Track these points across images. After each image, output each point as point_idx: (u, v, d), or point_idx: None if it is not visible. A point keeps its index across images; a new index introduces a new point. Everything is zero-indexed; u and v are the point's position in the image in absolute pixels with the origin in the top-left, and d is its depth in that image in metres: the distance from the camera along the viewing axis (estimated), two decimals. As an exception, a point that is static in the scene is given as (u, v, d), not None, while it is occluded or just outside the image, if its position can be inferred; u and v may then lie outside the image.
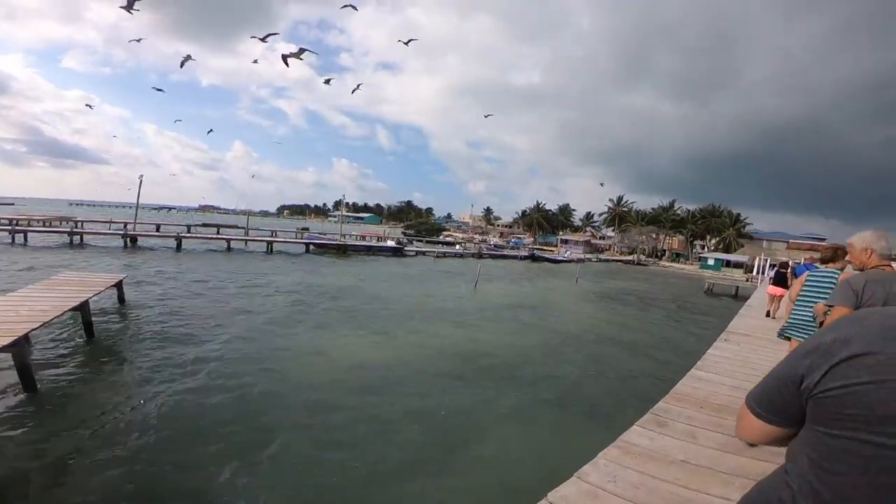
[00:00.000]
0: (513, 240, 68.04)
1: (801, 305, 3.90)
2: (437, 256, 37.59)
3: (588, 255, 55.53)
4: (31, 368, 5.60)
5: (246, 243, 31.87)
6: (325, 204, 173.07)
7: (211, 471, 4.27)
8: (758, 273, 36.57)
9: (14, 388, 5.54)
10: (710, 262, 51.10)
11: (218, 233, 38.29)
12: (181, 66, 18.49)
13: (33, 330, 5.63)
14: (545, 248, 61.06)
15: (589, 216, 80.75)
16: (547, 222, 78.92)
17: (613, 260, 56.76)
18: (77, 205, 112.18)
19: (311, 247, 32.61)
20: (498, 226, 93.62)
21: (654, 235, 66.47)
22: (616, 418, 5.65)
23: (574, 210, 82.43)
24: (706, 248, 63.33)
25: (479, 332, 11.03)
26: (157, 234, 31.82)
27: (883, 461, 0.66)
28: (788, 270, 11.69)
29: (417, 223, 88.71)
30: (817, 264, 6.82)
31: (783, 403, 0.83)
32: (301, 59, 15.69)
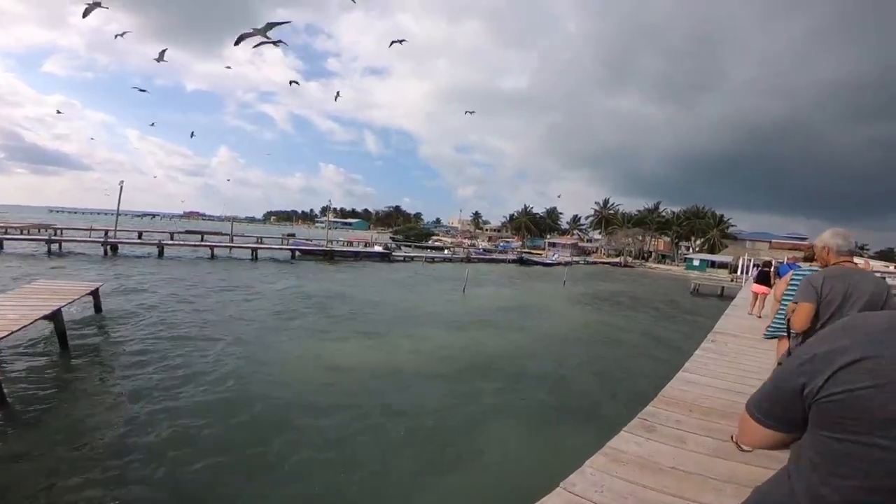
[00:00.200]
0: (501, 244, 68.21)
1: (786, 304, 3.88)
2: (426, 261, 37.45)
3: (575, 258, 55.88)
4: (-2, 381, 5.35)
5: (230, 250, 31.37)
6: (312, 210, 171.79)
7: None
8: (742, 273, 37.05)
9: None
10: (696, 262, 51.79)
11: (202, 240, 37.67)
12: (158, 61, 18.05)
13: (0, 339, 5.39)
14: (533, 251, 61.30)
15: (576, 219, 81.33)
16: (535, 226, 79.31)
17: (601, 262, 57.18)
18: (58, 212, 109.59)
19: (297, 253, 32.18)
20: (487, 230, 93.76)
21: (640, 237, 67.17)
22: (604, 421, 5.58)
23: (561, 213, 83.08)
24: (691, 250, 64.16)
25: (466, 337, 10.92)
26: (138, 241, 31.15)
27: (886, 464, 0.68)
28: (771, 269, 11.86)
29: (406, 228, 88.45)
30: (800, 263, 6.88)
31: (783, 410, 0.85)
32: (268, 37, 14.38)
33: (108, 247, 25.88)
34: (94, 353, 7.79)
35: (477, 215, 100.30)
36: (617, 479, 2.44)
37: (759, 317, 9.55)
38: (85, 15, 14.98)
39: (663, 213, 69.39)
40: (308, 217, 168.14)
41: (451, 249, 50.01)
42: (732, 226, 63.98)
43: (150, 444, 4.80)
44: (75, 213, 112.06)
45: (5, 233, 28.11)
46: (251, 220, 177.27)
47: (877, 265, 33.20)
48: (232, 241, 37.75)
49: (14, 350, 7.16)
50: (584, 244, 72.60)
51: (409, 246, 55.69)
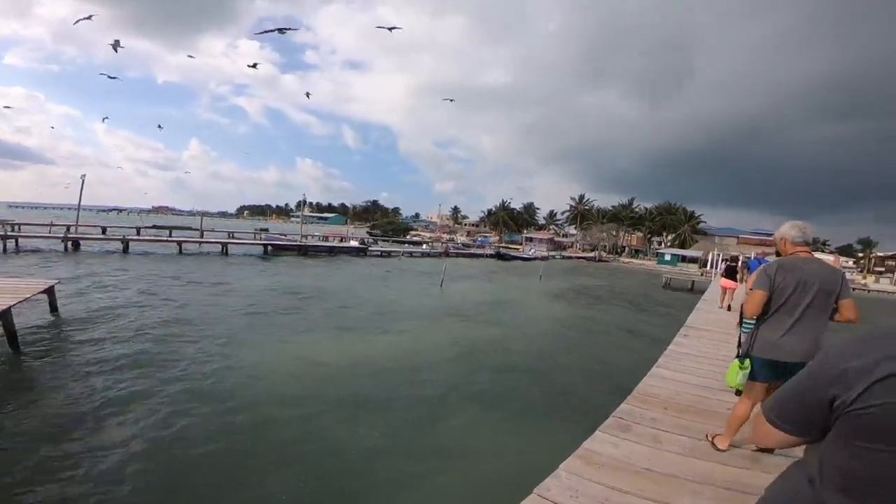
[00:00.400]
0: (479, 238, 68.42)
1: None
2: (403, 256, 37.18)
3: (552, 253, 56.54)
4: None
5: (200, 245, 30.37)
6: (287, 204, 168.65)
7: None
8: (711, 267, 38.24)
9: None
10: (667, 257, 53.13)
11: (170, 235, 36.30)
12: (115, 49, 17.18)
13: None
14: (511, 246, 61.72)
15: (552, 214, 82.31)
16: (512, 221, 79.86)
17: (576, 257, 58.04)
18: (17, 207, 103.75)
19: (270, 248, 31.37)
20: (465, 225, 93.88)
21: (614, 232, 68.51)
22: (581, 416, 5.56)
23: (538, 209, 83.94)
24: (663, 244, 65.82)
25: (442, 332, 10.81)
26: (101, 237, 29.77)
27: None
28: (739, 264, 12.23)
29: (384, 223, 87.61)
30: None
31: (804, 417, 0.87)
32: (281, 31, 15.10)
33: (69, 243, 24.63)
34: (47, 355, 7.30)
35: (456, 210, 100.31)
36: (592, 483, 2.37)
37: (729, 310, 9.79)
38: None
39: (637, 209, 70.99)
40: (283, 211, 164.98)
41: (430, 244, 49.83)
42: (703, 222, 65.97)
43: (106, 449, 4.50)
44: (36, 208, 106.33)
45: (-46, 229, 26.41)
46: (223, 214, 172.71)
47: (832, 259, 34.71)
48: (202, 236, 36.54)
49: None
50: (560, 239, 73.56)
51: (387, 241, 55.22)
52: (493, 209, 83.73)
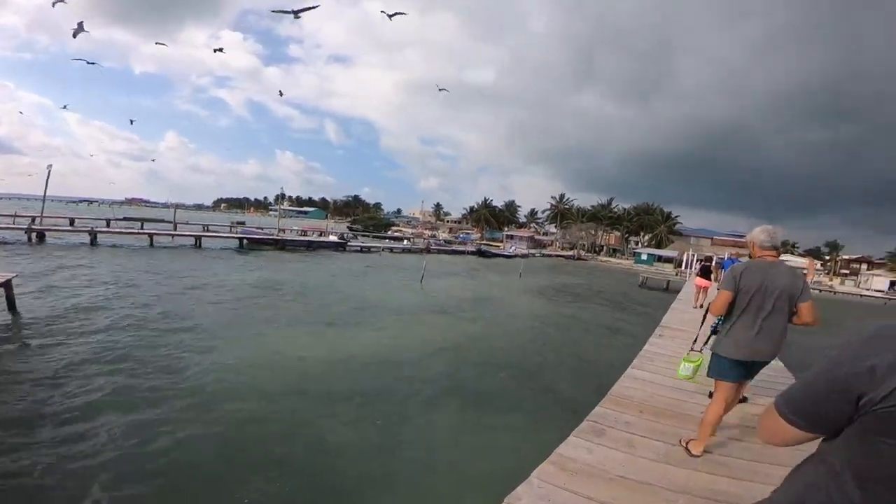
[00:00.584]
0: (461, 235, 68.48)
1: None
2: (384, 252, 36.86)
3: (532, 251, 57.01)
4: None
5: (172, 238, 29.44)
6: (266, 198, 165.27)
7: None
8: (686, 267, 39.09)
9: None
10: (644, 257, 54.18)
11: (142, 227, 35.11)
12: (74, 37, 16.43)
13: None
14: (492, 243, 61.96)
15: (533, 213, 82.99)
16: (494, 218, 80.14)
17: (555, 255, 58.63)
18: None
19: (245, 242, 30.62)
20: (447, 222, 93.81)
21: (593, 232, 69.47)
22: (557, 416, 5.53)
23: (519, 207, 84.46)
24: (640, 244, 67.09)
25: (420, 329, 10.68)
26: (68, 228, 28.52)
27: None
28: (713, 264, 12.50)
29: (365, 218, 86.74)
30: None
31: (824, 414, 0.85)
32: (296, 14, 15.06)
33: (34, 234, 23.51)
34: (2, 359, 6.86)
35: (438, 207, 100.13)
36: (564, 492, 2.29)
37: (703, 308, 9.94)
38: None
39: (615, 209, 72.19)
40: (262, 205, 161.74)
41: (411, 240, 49.56)
42: (679, 223, 67.50)
43: (72, 459, 4.22)
44: (1, 199, 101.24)
45: None
46: (199, 207, 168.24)
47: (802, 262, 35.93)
48: (175, 228, 35.45)
49: None
50: (541, 237, 74.21)
51: (368, 236, 54.69)
52: (476, 206, 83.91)
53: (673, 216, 67.37)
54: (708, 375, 2.82)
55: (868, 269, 61.48)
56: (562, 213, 73.76)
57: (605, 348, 10.70)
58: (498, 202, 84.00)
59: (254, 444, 4.77)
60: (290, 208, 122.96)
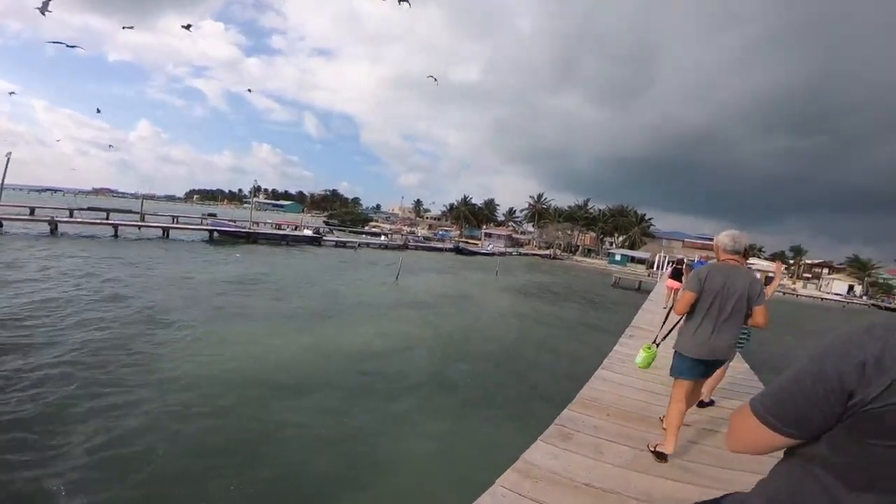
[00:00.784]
0: (440, 232, 68.34)
1: None
2: (360, 247, 36.38)
3: (509, 249, 57.35)
4: None
5: (139, 229, 28.30)
6: (240, 190, 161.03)
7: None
8: (658, 269, 40.04)
9: None
10: (618, 257, 55.22)
11: (107, 217, 33.63)
12: (43, 14, 15.49)
13: None
14: (470, 241, 62.07)
15: (511, 212, 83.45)
16: (473, 216, 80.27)
17: (532, 254, 59.18)
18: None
19: (216, 234, 29.70)
20: (427, 218, 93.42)
21: (569, 232, 70.41)
22: (528, 421, 5.47)
23: (498, 205, 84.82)
24: (614, 245, 68.42)
25: (391, 328, 10.48)
26: (25, 217, 26.98)
27: None
28: (684, 266, 12.72)
29: (342, 212, 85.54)
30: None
31: (809, 416, 0.79)
32: None
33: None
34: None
35: (418, 203, 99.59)
36: (528, 500, 2.19)
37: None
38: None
39: (591, 210, 73.38)
40: (236, 197, 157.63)
41: (389, 236, 49.16)
42: (652, 225, 69.14)
43: (42, 465, 3.90)
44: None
45: None
46: (171, 198, 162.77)
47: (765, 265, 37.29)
48: (143, 219, 34.08)
49: None
50: (518, 236, 74.76)
51: (344, 231, 53.96)
52: (456, 204, 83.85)
53: (647, 218, 68.95)
54: (670, 374, 2.89)
55: (829, 274, 64.42)
56: (539, 213, 74.45)
57: (578, 344, 10.74)
58: (478, 200, 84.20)
59: (216, 439, 4.63)
60: (266, 201, 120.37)
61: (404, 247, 39.91)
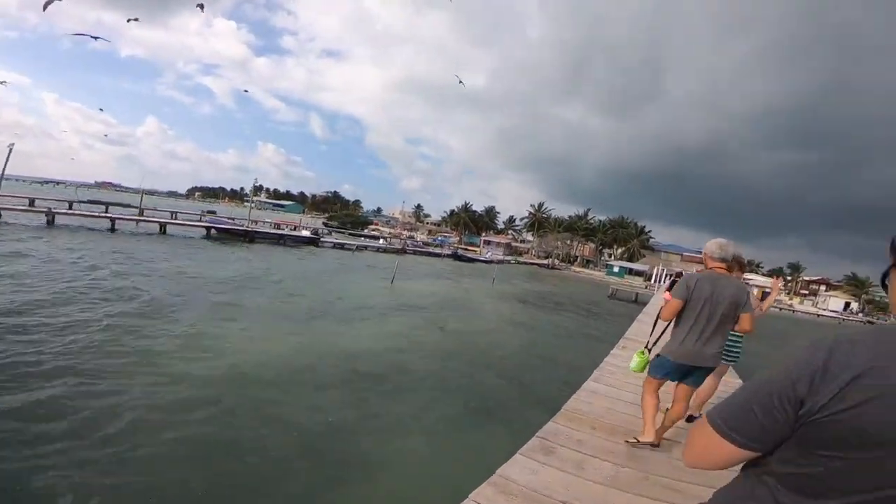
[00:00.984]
0: (439, 238, 68.24)
1: None
2: (357, 250, 36.27)
3: (508, 257, 57.27)
4: None
5: (137, 224, 28.21)
6: (243, 188, 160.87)
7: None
8: (655, 281, 39.96)
9: None
10: (616, 269, 55.15)
11: (106, 211, 33.53)
12: (44, 10, 15.45)
13: None
14: (469, 248, 61.94)
15: (511, 220, 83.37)
16: (473, 223, 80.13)
17: (530, 263, 59.08)
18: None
19: (213, 231, 29.62)
20: (427, 223, 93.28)
21: (568, 242, 70.32)
22: (514, 430, 5.33)
23: (499, 213, 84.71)
24: (613, 257, 68.32)
25: (382, 332, 10.35)
26: (24, 208, 26.87)
27: (889, 478, 0.68)
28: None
29: (342, 214, 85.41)
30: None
31: (763, 427, 0.78)
32: None
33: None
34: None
35: (419, 208, 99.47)
36: (501, 518, 2.07)
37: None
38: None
39: (591, 221, 73.30)
40: (237, 195, 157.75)
41: (387, 240, 49.05)
42: (652, 237, 69.10)
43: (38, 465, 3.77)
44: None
45: None
46: (172, 194, 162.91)
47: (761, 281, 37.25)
48: (141, 214, 33.97)
49: None
50: (517, 244, 74.68)
51: (343, 233, 53.86)
52: (456, 210, 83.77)
53: (646, 231, 68.92)
54: (647, 372, 3.01)
55: (826, 291, 64.36)
56: (539, 222, 74.36)
57: (571, 353, 10.61)
58: (478, 207, 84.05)
59: (207, 434, 4.64)
60: (267, 200, 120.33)
61: (402, 251, 39.82)
